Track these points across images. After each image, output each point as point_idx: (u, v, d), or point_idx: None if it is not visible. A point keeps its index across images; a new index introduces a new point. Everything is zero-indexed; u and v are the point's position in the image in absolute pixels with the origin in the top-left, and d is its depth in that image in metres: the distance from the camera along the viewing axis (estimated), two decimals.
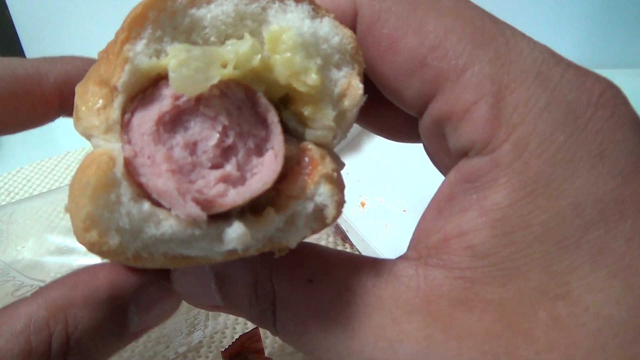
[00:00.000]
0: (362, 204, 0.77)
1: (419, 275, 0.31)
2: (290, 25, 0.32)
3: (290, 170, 0.32)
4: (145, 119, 0.30)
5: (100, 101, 0.31)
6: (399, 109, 0.37)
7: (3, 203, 0.87)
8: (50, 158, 1.00)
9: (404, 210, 0.81)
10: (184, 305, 0.42)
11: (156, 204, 0.30)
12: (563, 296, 0.28)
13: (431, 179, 0.90)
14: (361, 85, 0.34)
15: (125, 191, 0.29)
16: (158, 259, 0.30)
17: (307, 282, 0.32)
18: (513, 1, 0.94)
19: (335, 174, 0.33)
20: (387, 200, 0.79)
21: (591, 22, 1.04)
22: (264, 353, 0.55)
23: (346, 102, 0.34)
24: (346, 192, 0.34)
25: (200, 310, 0.42)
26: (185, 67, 0.29)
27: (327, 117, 0.33)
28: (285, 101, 0.34)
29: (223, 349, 0.44)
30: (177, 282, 0.36)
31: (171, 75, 0.29)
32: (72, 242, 0.72)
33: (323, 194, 0.32)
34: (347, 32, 0.34)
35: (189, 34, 0.33)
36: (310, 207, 0.32)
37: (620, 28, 1.07)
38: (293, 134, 0.34)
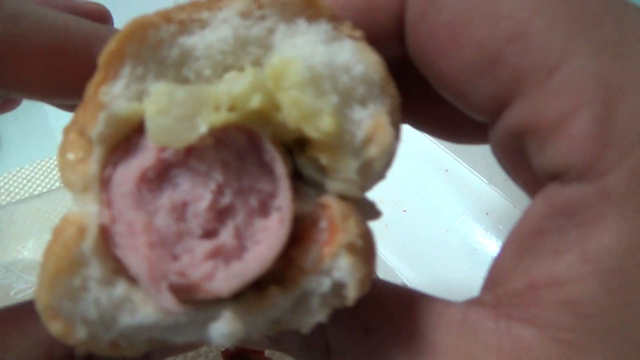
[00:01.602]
0: None
1: (500, 331, 0.24)
2: (297, 54, 0.26)
3: (304, 232, 0.26)
4: (126, 175, 0.25)
5: (79, 153, 0.26)
6: (457, 109, 0.30)
7: (3, 203, 0.87)
8: (51, 158, 1.00)
9: (404, 210, 0.81)
10: None
11: (134, 281, 0.25)
12: None
13: (431, 178, 0.90)
14: (392, 129, 0.27)
15: (95, 272, 0.24)
16: (141, 346, 0.26)
17: (363, 331, 0.28)
18: None
19: (360, 242, 0.26)
20: (387, 200, 0.79)
21: None
22: (264, 353, 0.55)
23: (373, 150, 0.27)
24: None
25: None
26: (164, 115, 0.24)
27: (348, 168, 0.26)
28: (302, 143, 0.27)
29: (223, 349, 0.44)
30: None
31: (148, 125, 0.24)
32: None
33: (342, 269, 0.25)
34: (374, 58, 0.27)
35: (179, 67, 0.27)
36: (326, 284, 0.26)
37: None
38: (312, 183, 0.28)
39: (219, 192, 0.25)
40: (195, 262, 0.24)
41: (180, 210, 0.25)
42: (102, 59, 0.26)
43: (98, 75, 0.26)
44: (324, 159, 0.26)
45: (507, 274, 0.26)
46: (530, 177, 0.27)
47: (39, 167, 0.98)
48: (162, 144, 0.24)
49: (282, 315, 0.26)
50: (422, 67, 0.29)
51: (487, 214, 0.77)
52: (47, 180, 0.95)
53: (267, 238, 0.25)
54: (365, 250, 0.26)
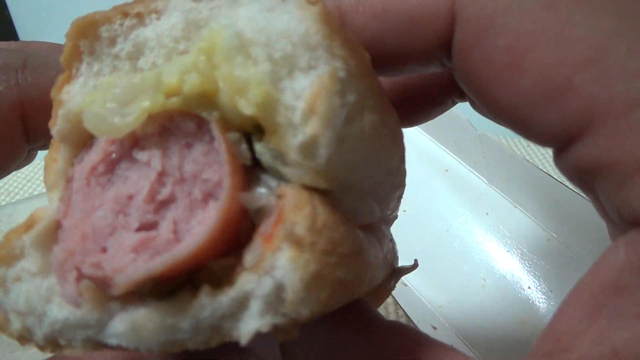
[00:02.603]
0: None
1: None
2: (229, 23, 0.23)
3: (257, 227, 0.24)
4: (81, 171, 0.25)
5: (53, 153, 0.27)
6: None
7: (3, 203, 0.87)
8: None
9: (404, 210, 0.80)
10: None
11: None
12: None
13: (431, 178, 0.89)
14: (332, 96, 0.22)
15: (31, 265, 0.24)
16: (79, 345, 0.24)
17: None
18: None
19: (308, 235, 0.21)
20: None
21: None
22: None
23: (313, 123, 0.22)
24: None
25: None
26: (96, 104, 0.23)
27: (289, 148, 0.22)
28: (262, 130, 0.24)
29: None
30: None
31: (83, 115, 0.24)
32: None
33: (282, 267, 0.21)
34: (315, 14, 0.23)
35: (135, 60, 0.26)
36: (267, 285, 0.22)
37: None
38: (276, 174, 0.24)
39: (159, 182, 0.24)
40: (118, 255, 0.22)
41: (125, 203, 0.24)
42: (62, 59, 0.26)
43: (62, 76, 0.26)
44: (271, 141, 0.23)
45: (574, 336, 0.21)
46: (601, 212, 0.23)
47: (39, 167, 0.98)
48: (100, 134, 0.24)
49: (219, 321, 0.23)
50: (473, 93, 0.26)
51: (487, 214, 0.76)
52: None
53: (200, 229, 0.22)
54: (320, 248, 0.21)
